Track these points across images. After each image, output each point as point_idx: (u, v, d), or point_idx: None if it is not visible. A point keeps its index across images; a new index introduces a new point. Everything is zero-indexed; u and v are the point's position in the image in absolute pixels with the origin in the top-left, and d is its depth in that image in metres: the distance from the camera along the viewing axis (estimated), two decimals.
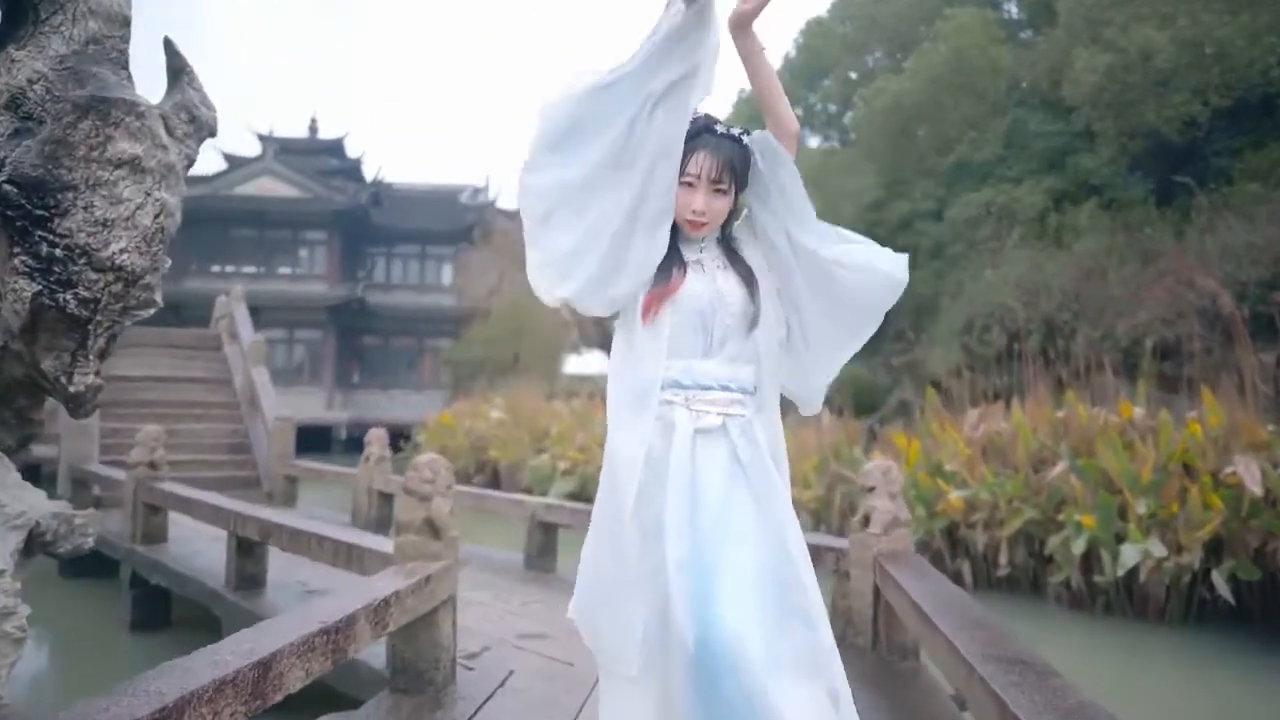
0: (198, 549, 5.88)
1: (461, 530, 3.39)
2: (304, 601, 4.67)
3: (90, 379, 2.78)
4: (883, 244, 1.88)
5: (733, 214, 1.84)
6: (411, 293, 29.75)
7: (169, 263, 2.87)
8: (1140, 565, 6.34)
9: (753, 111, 30.65)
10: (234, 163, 28.33)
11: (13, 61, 2.45)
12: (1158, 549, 6.29)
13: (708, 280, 1.77)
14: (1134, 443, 7.28)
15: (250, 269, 28.16)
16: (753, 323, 1.77)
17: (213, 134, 3.04)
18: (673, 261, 1.77)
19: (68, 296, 2.42)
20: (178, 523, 6.24)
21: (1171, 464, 6.85)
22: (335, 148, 31.14)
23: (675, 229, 1.78)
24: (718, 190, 1.75)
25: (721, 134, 1.76)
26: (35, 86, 2.38)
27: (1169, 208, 13.56)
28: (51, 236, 2.36)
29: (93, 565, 7.36)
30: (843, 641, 3.90)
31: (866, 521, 3.84)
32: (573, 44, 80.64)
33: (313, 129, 31.80)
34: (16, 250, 2.40)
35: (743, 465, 1.69)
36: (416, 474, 3.31)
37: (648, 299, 1.74)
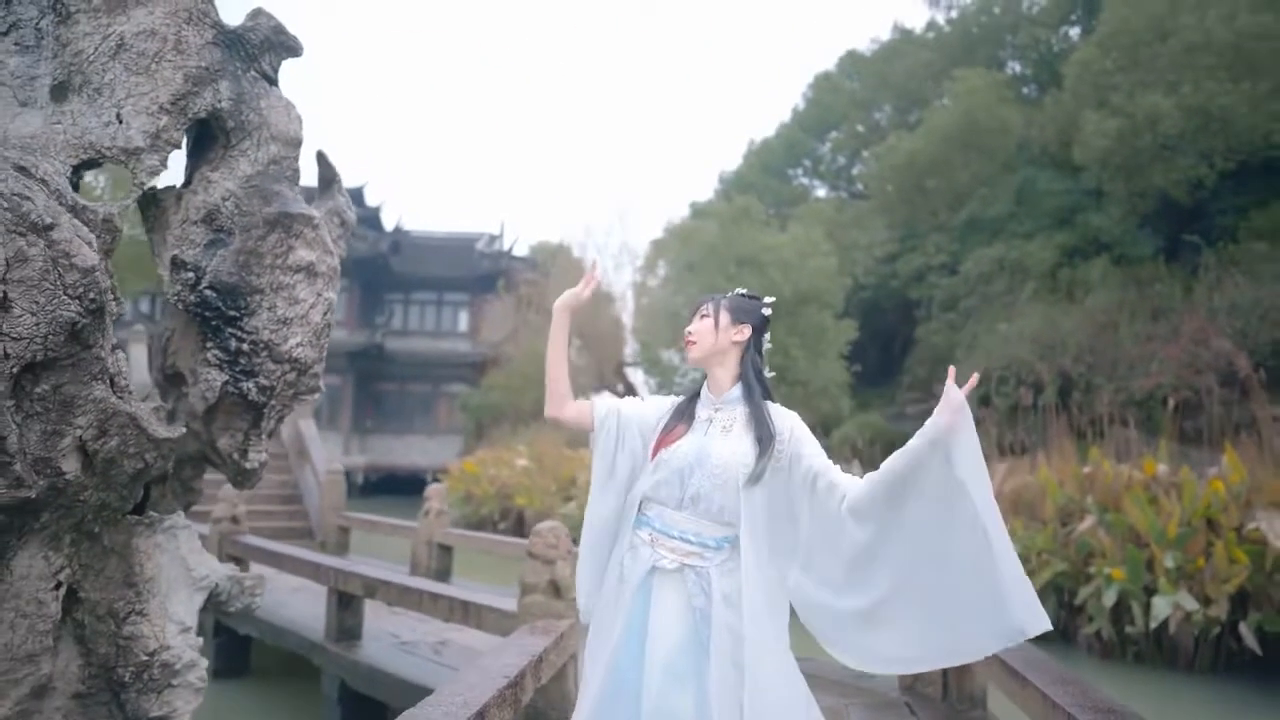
0: (282, 599, 6.19)
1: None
2: (437, 654, 5.02)
3: (263, 456, 3.18)
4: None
5: (750, 365, 1.98)
6: (427, 339, 30.25)
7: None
8: (1170, 617, 6.67)
9: (762, 163, 31.22)
10: None
11: (209, 182, 2.90)
12: (1188, 601, 6.62)
13: (699, 439, 1.93)
14: (1159, 498, 7.64)
15: None
16: (752, 481, 1.87)
17: (353, 234, 3.48)
18: (683, 416, 1.98)
19: (250, 385, 2.83)
20: (256, 573, 6.56)
21: (1196, 519, 7.20)
22: (355, 196, 31.69)
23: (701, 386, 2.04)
24: (702, 316, 1.99)
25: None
26: (227, 203, 2.82)
27: (1177, 264, 14.08)
28: (240, 333, 2.77)
29: None
30: (912, 690, 4.25)
31: None
32: (587, 83, 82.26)
33: None
34: (209, 345, 2.81)
35: (695, 610, 1.85)
36: (540, 539, 3.70)
37: (656, 443, 1.96)
